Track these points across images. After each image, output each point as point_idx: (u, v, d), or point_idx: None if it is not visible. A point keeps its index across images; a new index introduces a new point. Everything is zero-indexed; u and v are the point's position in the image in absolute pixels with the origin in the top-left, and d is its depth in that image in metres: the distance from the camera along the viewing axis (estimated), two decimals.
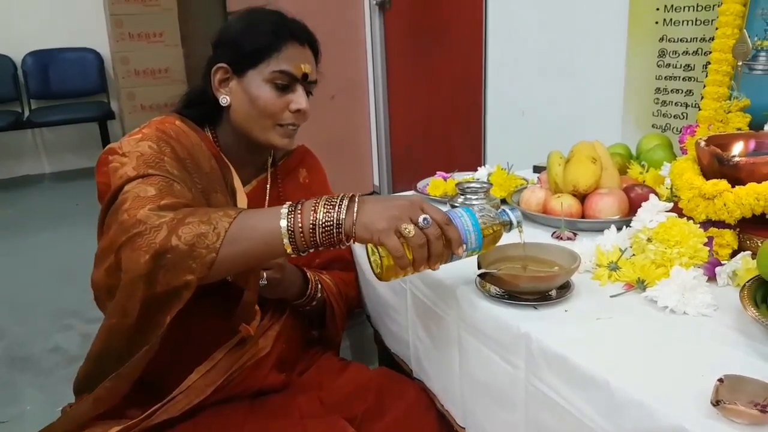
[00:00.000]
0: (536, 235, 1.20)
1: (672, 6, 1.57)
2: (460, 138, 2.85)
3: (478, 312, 0.94)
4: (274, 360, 1.17)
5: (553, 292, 0.93)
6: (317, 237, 0.86)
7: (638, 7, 1.68)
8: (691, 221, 0.96)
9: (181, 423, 1.06)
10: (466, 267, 1.00)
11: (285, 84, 1.12)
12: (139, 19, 4.23)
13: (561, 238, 1.15)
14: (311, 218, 0.86)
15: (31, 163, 5.02)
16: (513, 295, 0.93)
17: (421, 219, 0.84)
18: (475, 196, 1.25)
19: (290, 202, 0.90)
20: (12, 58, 4.62)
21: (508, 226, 0.92)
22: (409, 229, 0.83)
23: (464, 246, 0.88)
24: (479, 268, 0.95)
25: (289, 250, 0.88)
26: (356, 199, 0.87)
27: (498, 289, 0.95)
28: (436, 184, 1.50)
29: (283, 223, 0.87)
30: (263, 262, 1.08)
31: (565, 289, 0.93)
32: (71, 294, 2.57)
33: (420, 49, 3.10)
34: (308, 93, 1.17)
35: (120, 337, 0.94)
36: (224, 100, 1.14)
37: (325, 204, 0.87)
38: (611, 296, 0.92)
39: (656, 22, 1.62)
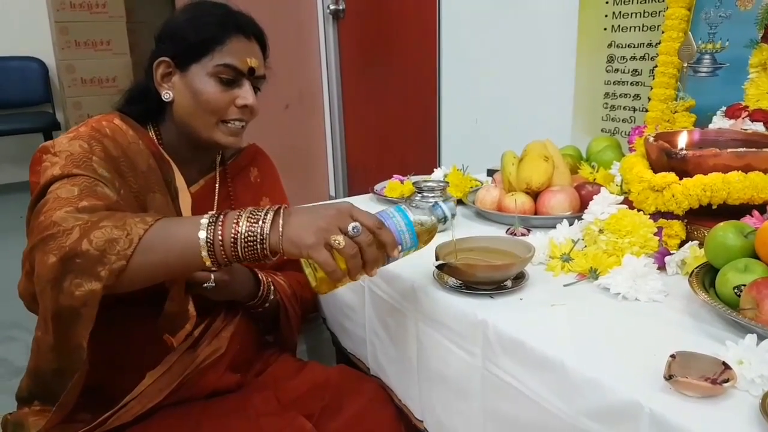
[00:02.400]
0: (491, 231, 1.22)
1: (620, 13, 1.62)
2: (416, 146, 2.87)
3: (435, 303, 0.94)
4: (229, 361, 1.15)
5: (509, 282, 0.94)
6: (239, 251, 0.83)
7: (587, 15, 1.72)
8: (641, 213, 0.98)
9: (134, 425, 1.03)
10: (423, 260, 1.00)
11: (230, 78, 1.08)
12: (85, 26, 4.08)
13: (515, 234, 1.17)
14: (233, 231, 0.83)
15: None
16: (470, 285, 0.93)
17: (350, 227, 0.81)
18: (432, 194, 1.26)
19: (212, 213, 0.86)
20: None
21: (443, 220, 0.91)
22: (339, 240, 0.80)
23: (399, 247, 0.85)
24: (437, 259, 0.95)
25: (207, 263, 0.84)
26: (281, 212, 0.84)
27: (455, 280, 0.96)
28: (393, 186, 1.51)
29: (202, 234, 0.83)
30: (180, 274, 1.00)
31: (520, 279, 0.95)
32: (15, 306, 2.47)
33: (374, 57, 3.12)
34: (256, 89, 1.13)
35: (47, 353, 0.91)
36: (167, 95, 1.09)
37: (248, 217, 0.83)
38: (565, 285, 0.94)
39: (605, 29, 1.67)
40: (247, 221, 0.83)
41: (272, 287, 1.23)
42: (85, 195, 0.91)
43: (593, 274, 0.93)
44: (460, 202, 1.37)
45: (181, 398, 1.08)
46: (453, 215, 0.91)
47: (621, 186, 1.18)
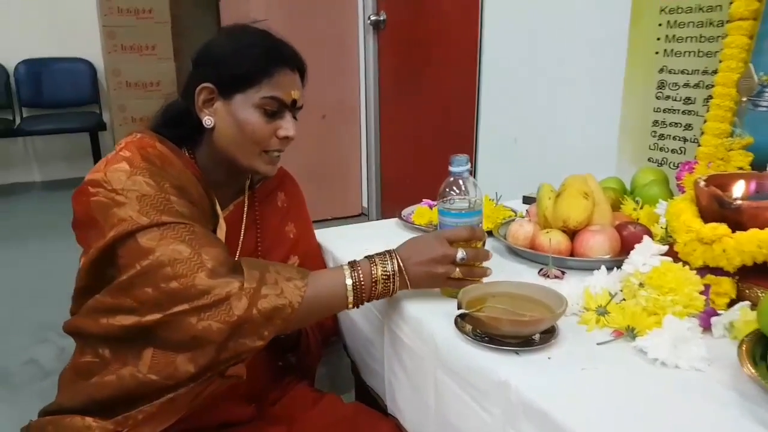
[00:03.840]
0: (523, 269, 1.15)
1: (674, 36, 1.52)
2: None
3: (456, 353, 0.88)
4: (244, 390, 1.12)
5: (537, 336, 0.87)
6: (378, 289, 0.97)
7: (638, 37, 1.63)
8: (687, 266, 0.90)
9: None
10: (445, 304, 0.96)
11: (274, 110, 1.07)
12: (131, 31, 4.19)
13: (548, 276, 1.09)
14: (372, 273, 0.96)
15: (20, 171, 4.95)
16: (494, 338, 0.86)
17: (458, 259, 0.96)
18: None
19: (348, 262, 0.99)
20: (5, 65, 4.57)
21: (465, 178, 1.05)
22: (457, 275, 0.97)
23: (480, 226, 1.03)
24: (459, 308, 0.88)
25: (351, 306, 0.97)
26: (400, 261, 0.97)
27: (478, 331, 0.89)
28: (421, 212, 1.45)
29: (349, 282, 0.96)
30: (321, 318, 1.21)
31: (549, 333, 0.87)
32: (51, 307, 2.48)
33: (413, 70, 3.07)
34: (294, 117, 1.12)
35: (147, 391, 0.93)
36: (208, 121, 1.07)
37: (379, 262, 0.97)
38: (598, 343, 0.85)
39: (656, 53, 1.57)
40: (380, 265, 0.97)
41: None
42: (197, 247, 0.94)
43: (630, 333, 0.85)
44: (489, 234, 1.30)
45: (192, 426, 1.04)
46: (469, 170, 1.05)
47: (666, 229, 1.10)
